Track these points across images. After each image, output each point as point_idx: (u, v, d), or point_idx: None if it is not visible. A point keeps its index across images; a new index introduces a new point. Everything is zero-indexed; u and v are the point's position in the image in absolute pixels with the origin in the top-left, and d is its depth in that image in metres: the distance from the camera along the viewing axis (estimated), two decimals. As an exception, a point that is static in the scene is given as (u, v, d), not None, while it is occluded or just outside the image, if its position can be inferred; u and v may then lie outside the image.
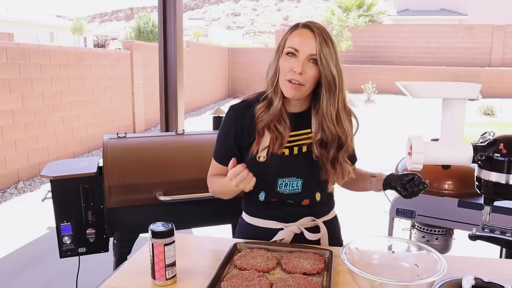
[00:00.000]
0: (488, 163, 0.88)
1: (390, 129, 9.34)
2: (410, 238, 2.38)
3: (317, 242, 1.38)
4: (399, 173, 1.22)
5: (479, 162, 0.89)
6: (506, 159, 0.85)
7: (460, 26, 18.53)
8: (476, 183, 0.93)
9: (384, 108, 12.73)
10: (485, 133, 0.91)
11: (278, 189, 1.35)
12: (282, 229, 1.37)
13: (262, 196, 1.39)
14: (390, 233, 2.34)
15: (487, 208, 0.93)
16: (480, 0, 23.37)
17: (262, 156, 1.32)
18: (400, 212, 2.26)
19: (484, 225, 2.07)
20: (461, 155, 0.90)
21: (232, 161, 1.22)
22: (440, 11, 24.20)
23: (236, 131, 1.36)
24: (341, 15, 15.47)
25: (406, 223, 2.38)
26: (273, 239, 1.36)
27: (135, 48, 8.60)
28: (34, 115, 5.75)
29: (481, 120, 10.90)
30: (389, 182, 1.29)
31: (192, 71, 12.21)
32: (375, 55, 18.02)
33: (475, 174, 0.92)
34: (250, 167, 1.29)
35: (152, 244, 1.06)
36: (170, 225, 1.09)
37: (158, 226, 1.07)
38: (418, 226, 2.30)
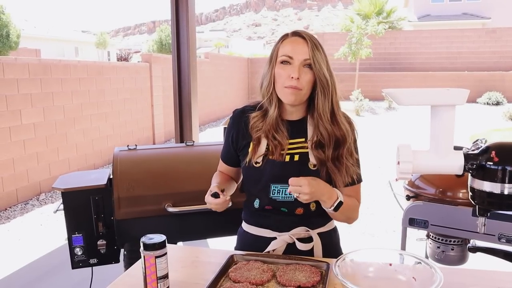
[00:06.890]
0: (481, 172, 0.84)
1: (411, 137, 9.18)
2: (426, 248, 2.31)
3: (310, 253, 1.36)
4: None
5: (471, 171, 0.86)
6: (499, 168, 0.81)
7: (483, 30, 18.13)
8: (470, 193, 0.89)
9: (405, 115, 12.54)
10: (477, 140, 0.88)
11: (271, 195, 1.36)
12: (275, 238, 1.37)
13: (257, 204, 1.41)
14: (403, 244, 2.27)
15: (482, 219, 0.89)
16: (504, 3, 22.90)
17: (258, 161, 1.36)
18: (413, 222, 2.19)
19: (501, 234, 1.99)
20: (451, 164, 0.87)
21: (217, 190, 1.28)
22: (462, 16, 23.80)
23: (233, 134, 1.44)
24: (360, 22, 15.36)
25: (422, 233, 2.31)
26: (266, 249, 1.36)
27: (153, 60, 8.74)
28: (55, 128, 5.90)
29: (506, 125, 10.62)
30: None
31: (212, 82, 12.32)
32: (396, 62, 17.81)
33: (468, 183, 0.88)
34: (245, 172, 1.42)
35: (144, 257, 1.06)
36: (162, 238, 1.08)
37: (150, 239, 1.08)
38: (433, 236, 2.23)
